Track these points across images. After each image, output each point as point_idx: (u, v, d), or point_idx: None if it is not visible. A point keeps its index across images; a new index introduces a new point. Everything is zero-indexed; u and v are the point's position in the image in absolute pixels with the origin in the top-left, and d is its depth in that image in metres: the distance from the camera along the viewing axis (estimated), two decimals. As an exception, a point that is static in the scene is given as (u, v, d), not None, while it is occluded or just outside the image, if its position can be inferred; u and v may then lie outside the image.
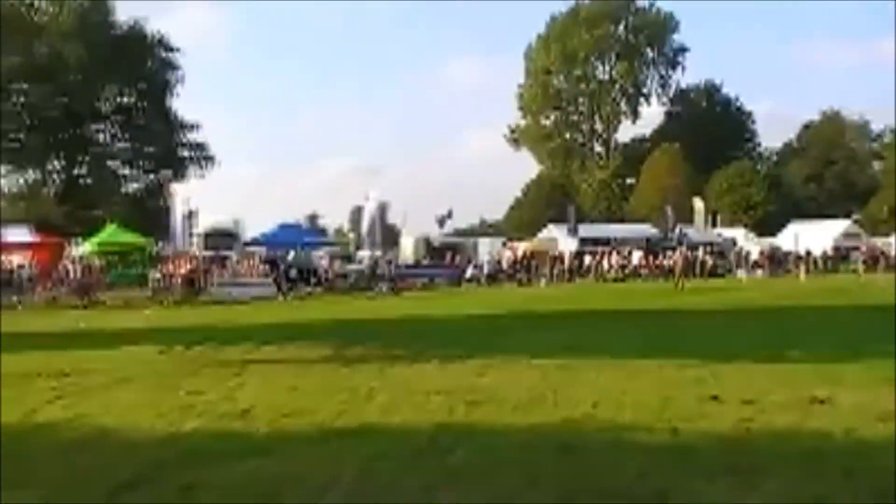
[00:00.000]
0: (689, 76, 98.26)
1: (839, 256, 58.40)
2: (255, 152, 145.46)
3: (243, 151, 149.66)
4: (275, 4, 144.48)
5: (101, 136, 70.41)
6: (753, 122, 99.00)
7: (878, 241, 61.74)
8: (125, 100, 69.58)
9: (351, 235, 53.68)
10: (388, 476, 6.46)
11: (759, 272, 53.62)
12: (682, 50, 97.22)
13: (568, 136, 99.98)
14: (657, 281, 46.57)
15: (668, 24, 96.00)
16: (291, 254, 40.51)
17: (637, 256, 55.29)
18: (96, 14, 65.77)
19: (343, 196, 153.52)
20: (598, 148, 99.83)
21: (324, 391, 10.35)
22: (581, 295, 35.01)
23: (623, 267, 53.07)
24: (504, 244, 59.89)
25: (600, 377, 10.90)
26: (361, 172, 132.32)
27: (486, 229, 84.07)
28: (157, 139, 68.62)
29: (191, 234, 45.01)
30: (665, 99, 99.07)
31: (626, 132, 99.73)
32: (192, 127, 70.03)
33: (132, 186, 70.40)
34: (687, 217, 65.09)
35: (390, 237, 55.74)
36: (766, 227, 68.49)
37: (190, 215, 44.68)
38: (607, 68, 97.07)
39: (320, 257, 46.18)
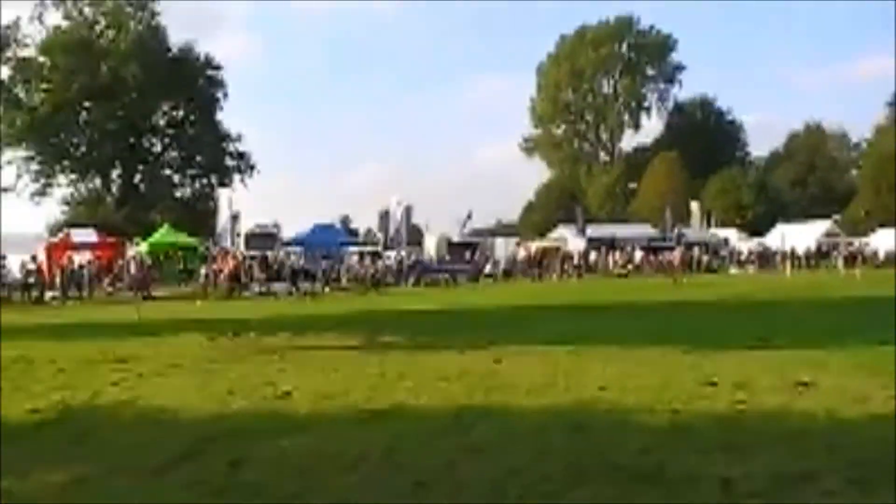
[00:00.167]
0: (685, 91, 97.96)
1: (821, 254, 58.17)
2: (292, 160, 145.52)
3: (282, 160, 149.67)
4: (307, 25, 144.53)
5: (155, 147, 70.95)
6: (743, 132, 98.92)
7: (856, 241, 61.57)
8: (177, 114, 70.12)
9: (379, 235, 53.53)
10: (414, 451, 6.46)
11: (750, 268, 53.45)
12: (680, 68, 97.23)
13: (576, 144, 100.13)
14: (657, 276, 46.38)
15: (666, 44, 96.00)
16: (281, 253, 40.16)
17: (639, 254, 55.21)
18: (152, 38, 66.33)
19: (372, 199, 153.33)
20: (603, 156, 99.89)
21: (356, 376, 10.35)
22: (588, 289, 34.90)
23: (626, 264, 52.97)
24: (518, 243, 59.80)
25: (606, 364, 10.86)
26: (388, 178, 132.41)
27: (502, 229, 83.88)
28: (206, 149, 69.19)
29: (237, 235, 45.18)
30: (664, 111, 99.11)
31: (628, 141, 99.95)
32: (236, 138, 70.45)
33: (183, 192, 70.91)
34: (684, 218, 64.94)
35: (415, 237, 55.72)
36: (756, 227, 68.36)
37: (234, 218, 44.85)
38: (612, 84, 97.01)
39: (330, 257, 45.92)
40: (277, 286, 36.10)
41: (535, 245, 58.14)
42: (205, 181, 69.88)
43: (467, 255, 52.47)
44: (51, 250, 40.40)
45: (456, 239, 56.83)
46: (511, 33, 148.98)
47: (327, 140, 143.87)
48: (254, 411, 8.31)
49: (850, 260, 51.20)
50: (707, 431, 6.92)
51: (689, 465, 5.84)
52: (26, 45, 63.81)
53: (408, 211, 50.17)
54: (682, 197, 70.74)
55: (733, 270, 52.62)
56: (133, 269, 38.02)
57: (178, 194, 70.42)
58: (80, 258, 39.95)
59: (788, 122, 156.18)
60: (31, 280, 35.81)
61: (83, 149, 66.92)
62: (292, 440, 6.97)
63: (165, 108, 69.80)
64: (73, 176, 67.87)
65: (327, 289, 37.26)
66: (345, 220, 79.66)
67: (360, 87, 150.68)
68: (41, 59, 64.51)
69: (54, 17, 64.99)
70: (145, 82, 64.11)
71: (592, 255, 55.27)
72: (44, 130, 63.33)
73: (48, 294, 35.26)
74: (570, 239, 59.52)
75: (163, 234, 46.77)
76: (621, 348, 12.57)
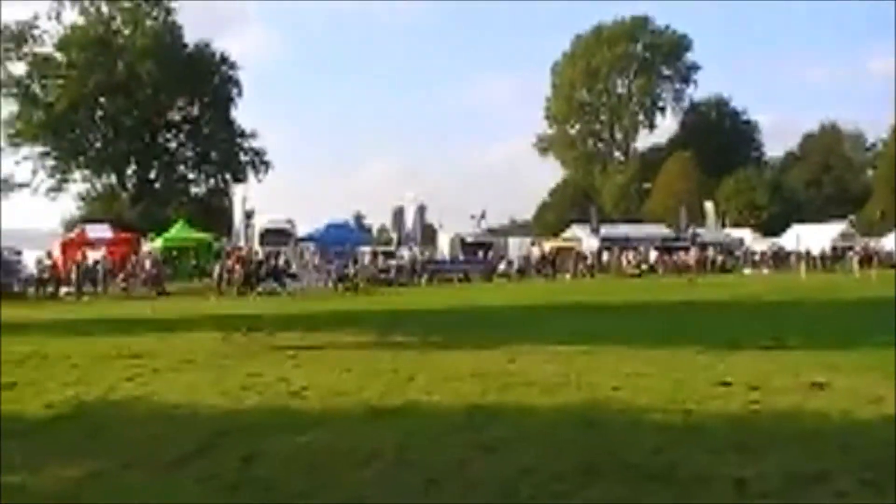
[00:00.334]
0: (700, 91, 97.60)
1: (836, 255, 57.88)
2: (306, 157, 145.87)
3: (296, 157, 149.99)
4: (322, 21, 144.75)
5: (170, 144, 71.20)
6: (758, 132, 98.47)
7: (871, 242, 61.29)
8: (192, 111, 70.35)
9: (393, 234, 53.59)
10: (426, 449, 6.47)
11: (764, 269, 53.28)
12: (695, 67, 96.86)
13: (590, 144, 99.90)
14: (671, 277, 46.27)
15: (681, 44, 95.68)
16: (260, 252, 40.03)
17: (653, 254, 55.12)
18: (168, 35, 66.49)
19: (385, 197, 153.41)
20: (618, 155, 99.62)
21: (369, 373, 10.37)
22: (602, 288, 34.85)
23: (640, 264, 52.86)
24: (532, 242, 59.75)
25: (620, 363, 10.85)
26: (402, 176, 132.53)
27: (515, 229, 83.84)
28: (220, 146, 69.39)
29: (250, 231, 45.33)
30: (679, 111, 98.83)
31: (643, 141, 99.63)
32: (251, 134, 70.64)
33: (198, 188, 71.17)
34: (698, 218, 64.78)
35: (428, 235, 55.73)
36: (770, 227, 68.11)
37: (248, 215, 44.99)
38: (627, 83, 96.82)
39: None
40: (263, 285, 36.00)
41: (549, 244, 58.07)
42: (219, 178, 70.09)
43: (481, 254, 52.44)
44: (66, 246, 40.60)
45: (469, 238, 56.83)
46: (526, 32, 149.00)
47: (341, 137, 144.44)
48: (267, 407, 8.35)
49: (866, 261, 50.98)
50: (720, 431, 6.92)
51: (701, 464, 5.83)
52: (43, 43, 64.16)
53: (421, 209, 50.26)
54: (697, 197, 70.53)
55: (747, 271, 52.43)
56: (147, 265, 38.21)
57: (192, 191, 70.70)
58: (95, 254, 40.14)
59: (804, 123, 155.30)
60: (46, 276, 36.00)
61: (99, 145, 67.25)
62: (305, 437, 6.99)
63: (181, 104, 70.02)
64: (88, 172, 68.20)
65: (341, 286, 37.26)
66: (358, 218, 79.81)
67: (375, 85, 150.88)
68: (58, 55, 64.81)
69: (71, 15, 65.31)
70: (161, 79, 64.39)
71: (606, 255, 55.17)
72: (60, 127, 63.67)
73: (63, 290, 35.42)
74: (584, 238, 59.46)
75: (178, 230, 46.97)
76: (635, 348, 12.55)
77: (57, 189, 66.25)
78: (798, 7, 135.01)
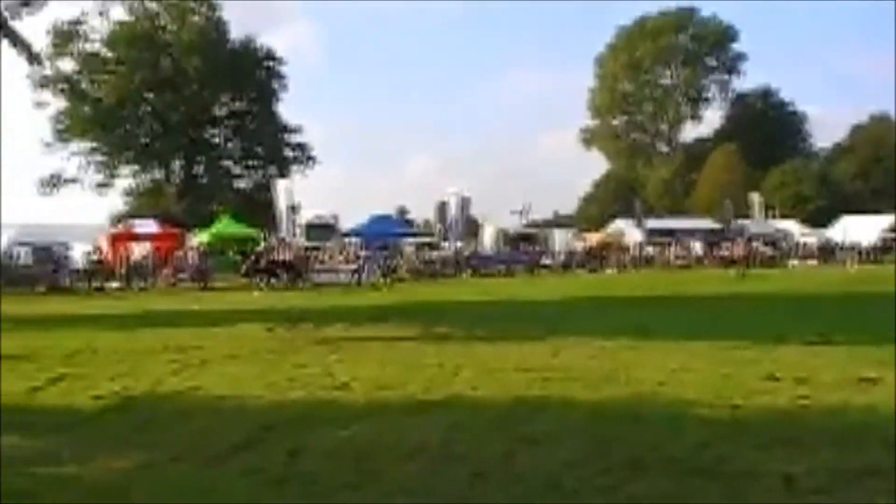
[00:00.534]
0: (748, 82, 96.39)
1: (885, 247, 56.92)
2: (350, 152, 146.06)
3: (340, 151, 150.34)
4: (368, 17, 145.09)
5: (216, 139, 71.81)
6: (806, 123, 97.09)
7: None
8: (237, 106, 70.90)
9: (437, 227, 53.70)
10: (471, 442, 6.48)
11: (811, 262, 52.62)
12: (741, 57, 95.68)
13: (634, 136, 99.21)
14: (717, 269, 45.84)
15: (727, 34, 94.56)
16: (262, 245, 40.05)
17: (699, 247, 54.70)
18: (213, 31, 67.01)
19: (429, 190, 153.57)
20: (662, 147, 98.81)
21: (413, 367, 10.39)
22: (647, 282, 34.61)
23: (686, 256, 52.48)
24: (576, 235, 59.55)
25: (665, 357, 10.77)
26: (446, 170, 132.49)
27: (559, 221, 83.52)
28: (265, 141, 69.80)
29: (297, 226, 45.64)
30: (725, 102, 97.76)
31: (688, 133, 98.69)
32: (295, 130, 71.05)
33: (242, 183, 71.72)
34: (744, 211, 64.13)
35: (472, 229, 55.76)
36: (817, 220, 67.22)
37: (293, 208, 45.29)
38: (672, 74, 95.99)
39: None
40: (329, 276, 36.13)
41: (592, 237, 57.84)
42: (264, 172, 70.59)
43: (524, 246, 52.36)
44: (114, 240, 41.14)
45: (513, 231, 56.76)
46: (571, 23, 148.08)
47: (385, 132, 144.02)
48: (312, 401, 8.40)
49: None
50: (768, 426, 6.85)
51: (749, 460, 5.78)
52: (91, 40, 65.00)
53: (465, 202, 50.26)
54: (742, 189, 69.79)
55: (794, 263, 51.82)
56: (193, 259, 38.62)
57: (237, 185, 71.25)
58: (141, 248, 40.65)
59: (854, 114, 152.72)
60: (95, 270, 36.54)
61: (146, 140, 68.03)
62: (350, 430, 7.02)
63: (226, 100, 70.64)
64: (135, 167, 69.03)
65: (386, 279, 37.35)
66: (402, 211, 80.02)
67: (419, 79, 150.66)
68: (106, 52, 65.63)
69: (118, 12, 66.09)
70: (206, 75, 65.03)
71: (651, 248, 54.83)
72: (108, 122, 64.51)
73: (110, 283, 35.89)
74: (628, 231, 59.14)
75: (222, 224, 47.43)
76: (680, 342, 12.45)
77: (105, 184, 67.17)
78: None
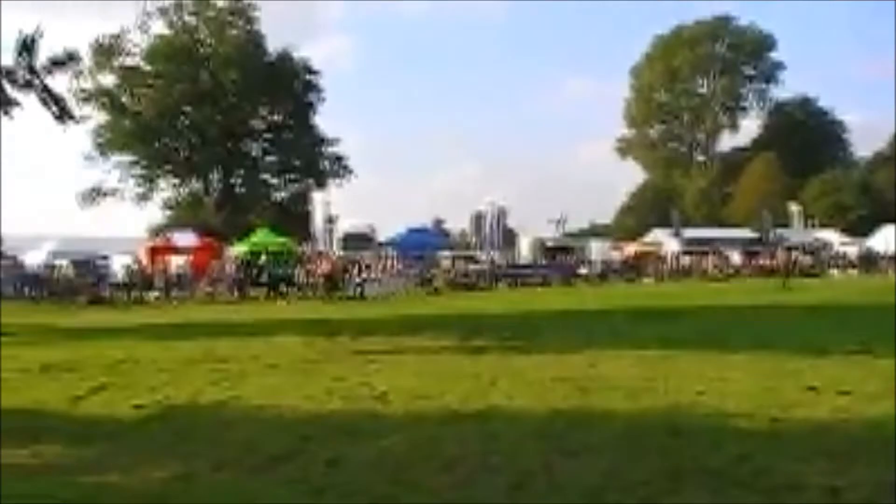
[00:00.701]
0: (786, 90, 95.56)
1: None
2: (386, 163, 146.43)
3: (377, 162, 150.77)
4: (403, 26, 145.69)
5: (253, 151, 72.36)
6: (847, 131, 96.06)
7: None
8: (275, 118, 71.40)
9: (473, 239, 53.67)
10: (509, 453, 6.48)
11: (852, 272, 52.01)
12: (779, 66, 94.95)
13: (671, 146, 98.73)
14: (756, 280, 45.42)
15: (765, 43, 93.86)
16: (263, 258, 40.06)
17: (738, 257, 54.30)
18: (250, 44, 67.57)
19: (465, 201, 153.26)
20: (699, 157, 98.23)
21: (450, 378, 10.40)
22: (685, 292, 34.35)
23: (724, 267, 52.09)
24: (614, 246, 59.28)
25: (704, 368, 10.71)
26: (482, 180, 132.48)
27: (595, 232, 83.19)
28: (302, 153, 70.19)
29: (334, 237, 45.85)
30: (762, 111, 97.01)
31: (725, 142, 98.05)
32: (333, 141, 71.42)
33: (280, 195, 72.16)
34: (783, 220, 63.55)
35: (508, 239, 55.65)
36: (858, 229, 66.43)
37: (330, 220, 45.49)
38: (708, 84, 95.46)
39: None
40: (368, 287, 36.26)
41: (630, 248, 57.56)
42: (301, 184, 70.94)
43: (561, 258, 52.20)
44: (153, 252, 41.55)
45: (550, 242, 56.61)
46: (606, 33, 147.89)
47: (421, 142, 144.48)
48: (350, 411, 8.44)
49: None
50: (809, 438, 6.79)
51: (791, 472, 5.74)
52: (131, 54, 65.79)
53: (501, 213, 50.18)
54: (780, 198, 69.18)
55: (835, 273, 51.23)
56: (231, 270, 38.90)
57: (274, 197, 71.68)
58: (180, 260, 41.04)
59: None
60: (134, 281, 36.95)
61: (184, 153, 68.67)
62: (388, 440, 7.05)
63: (263, 112, 71.10)
64: (174, 179, 69.69)
65: (422, 291, 37.43)
66: (438, 223, 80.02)
67: (454, 89, 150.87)
68: (146, 66, 66.39)
69: (158, 26, 66.83)
70: (244, 87, 65.54)
71: (688, 259, 54.47)
72: (147, 135, 65.17)
73: (150, 294, 36.24)
74: (665, 241, 58.80)
75: (260, 236, 47.74)
76: (720, 352, 12.36)
77: (144, 196, 67.83)
78: (887, 6, 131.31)
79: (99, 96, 64.17)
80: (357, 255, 43.52)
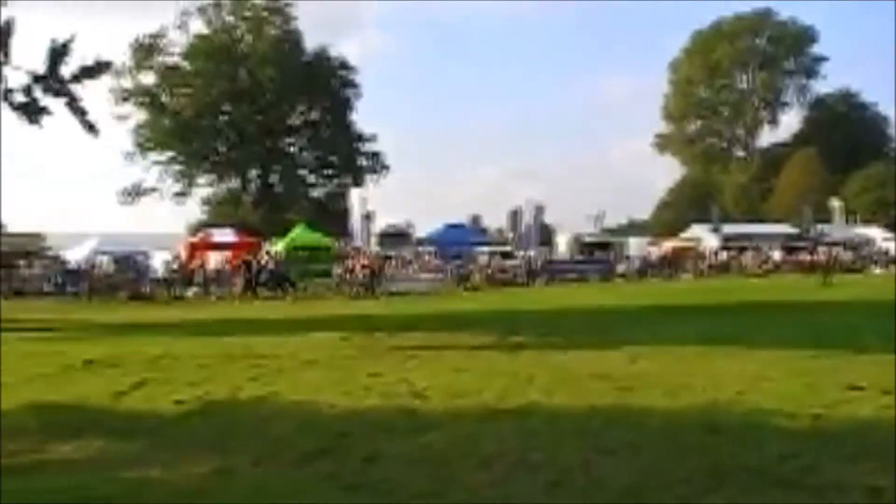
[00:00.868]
0: (828, 84, 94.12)
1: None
2: (424, 160, 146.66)
3: (414, 159, 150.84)
4: (440, 24, 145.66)
5: (291, 149, 72.72)
6: (890, 126, 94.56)
7: None
8: (312, 116, 71.72)
9: (510, 235, 53.53)
10: (548, 450, 6.45)
11: (894, 268, 51.31)
12: (820, 60, 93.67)
13: (710, 141, 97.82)
14: (797, 276, 44.94)
15: (806, 36, 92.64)
16: (265, 258, 39.94)
17: (778, 253, 53.77)
18: (288, 42, 67.91)
19: (502, 198, 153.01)
20: (738, 152, 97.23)
21: (488, 375, 10.38)
22: (725, 289, 34.03)
23: (764, 263, 51.59)
24: (652, 242, 58.88)
25: (744, 365, 10.61)
26: (519, 177, 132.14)
27: (633, 228, 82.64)
28: (339, 150, 70.45)
29: (371, 234, 45.94)
30: (803, 106, 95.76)
31: (765, 137, 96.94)
32: (370, 138, 71.60)
33: (317, 192, 72.49)
34: (824, 216, 62.82)
35: (546, 236, 55.47)
36: (901, 225, 65.45)
37: (367, 217, 45.60)
38: (748, 78, 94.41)
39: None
40: (406, 284, 36.33)
41: (669, 244, 57.14)
42: (339, 181, 71.22)
43: (599, 254, 51.96)
44: (192, 249, 41.82)
45: (587, 238, 56.37)
46: (645, 29, 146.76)
47: (458, 139, 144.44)
48: (388, 408, 8.45)
49: None
50: (852, 437, 6.70)
51: (832, 471, 5.66)
52: (171, 54, 66.46)
53: (538, 210, 50.04)
54: (821, 194, 68.35)
55: (877, 270, 50.53)
56: (270, 267, 39.06)
57: (312, 194, 72.00)
58: (219, 256, 41.28)
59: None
60: (174, 277, 37.27)
61: (223, 150, 69.19)
62: (426, 437, 7.05)
63: (301, 109, 71.46)
64: (213, 177, 70.26)
65: (459, 287, 37.42)
66: (475, 220, 79.97)
67: (491, 86, 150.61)
68: (185, 65, 66.99)
69: (196, 25, 67.42)
70: (282, 85, 65.92)
71: (724, 254, 53.99)
72: (186, 133, 65.77)
73: (189, 291, 36.51)
74: (704, 238, 58.30)
75: (298, 233, 47.92)
76: (759, 350, 12.25)
77: (183, 194, 68.46)
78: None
79: (139, 95, 64.89)
80: (394, 252, 43.61)
